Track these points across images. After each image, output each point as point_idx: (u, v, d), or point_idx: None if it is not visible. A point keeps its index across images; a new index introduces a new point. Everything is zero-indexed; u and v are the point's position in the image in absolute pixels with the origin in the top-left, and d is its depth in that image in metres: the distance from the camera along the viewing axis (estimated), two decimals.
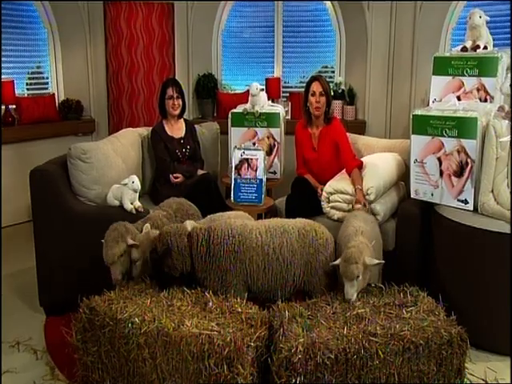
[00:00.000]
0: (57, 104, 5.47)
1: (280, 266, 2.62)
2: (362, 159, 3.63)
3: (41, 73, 5.50)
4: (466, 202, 2.96)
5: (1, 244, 3.24)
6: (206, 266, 2.60)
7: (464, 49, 3.41)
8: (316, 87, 3.69)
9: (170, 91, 3.91)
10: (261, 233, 2.65)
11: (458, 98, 3.30)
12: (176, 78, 4.92)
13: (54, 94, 5.48)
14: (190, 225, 2.70)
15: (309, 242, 2.67)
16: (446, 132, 2.99)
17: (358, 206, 3.24)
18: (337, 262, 2.57)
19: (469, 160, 2.92)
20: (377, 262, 2.52)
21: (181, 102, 3.95)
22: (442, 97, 3.39)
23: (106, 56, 5.25)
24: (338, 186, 3.42)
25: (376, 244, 2.85)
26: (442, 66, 3.40)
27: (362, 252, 2.50)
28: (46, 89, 5.54)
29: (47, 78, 5.55)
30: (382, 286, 2.64)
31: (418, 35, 5.03)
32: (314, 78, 3.76)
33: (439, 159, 3.05)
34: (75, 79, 5.55)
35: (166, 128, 3.97)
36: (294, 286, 2.67)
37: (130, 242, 2.68)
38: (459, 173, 2.98)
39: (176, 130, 4.01)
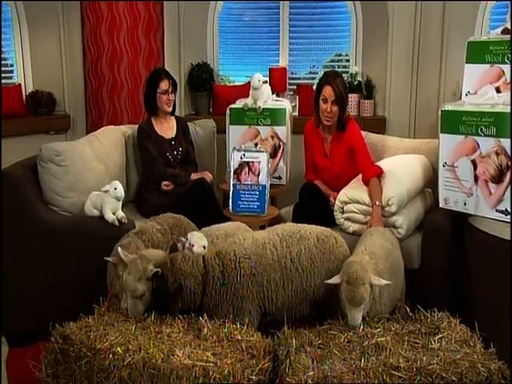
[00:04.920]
0: (24, 96, 5.50)
1: (300, 278, 2.69)
2: (381, 163, 3.63)
3: (4, 59, 5.50)
4: (506, 212, 2.96)
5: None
6: (219, 298, 2.61)
7: (505, 31, 3.40)
8: (328, 93, 3.59)
9: (163, 85, 3.90)
10: (275, 245, 2.71)
11: (497, 90, 3.29)
12: (166, 67, 4.95)
13: (20, 84, 5.51)
14: (198, 247, 2.72)
15: (329, 248, 2.77)
16: (481, 130, 3.00)
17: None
18: (335, 280, 2.54)
19: (510, 163, 2.93)
20: (385, 282, 2.52)
21: (174, 97, 3.97)
22: (478, 89, 3.39)
23: (83, 40, 5.24)
24: (353, 195, 3.43)
25: (395, 269, 2.83)
26: (478, 53, 3.39)
27: (367, 270, 2.50)
28: (11, 78, 5.56)
29: (12, 66, 5.57)
30: (406, 307, 2.65)
31: (449, 16, 5.06)
32: (326, 81, 3.63)
33: (473, 162, 3.06)
34: (46, 67, 5.57)
35: (155, 126, 3.98)
36: (314, 299, 2.73)
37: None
38: (498, 178, 2.98)
39: (166, 128, 4.03)
